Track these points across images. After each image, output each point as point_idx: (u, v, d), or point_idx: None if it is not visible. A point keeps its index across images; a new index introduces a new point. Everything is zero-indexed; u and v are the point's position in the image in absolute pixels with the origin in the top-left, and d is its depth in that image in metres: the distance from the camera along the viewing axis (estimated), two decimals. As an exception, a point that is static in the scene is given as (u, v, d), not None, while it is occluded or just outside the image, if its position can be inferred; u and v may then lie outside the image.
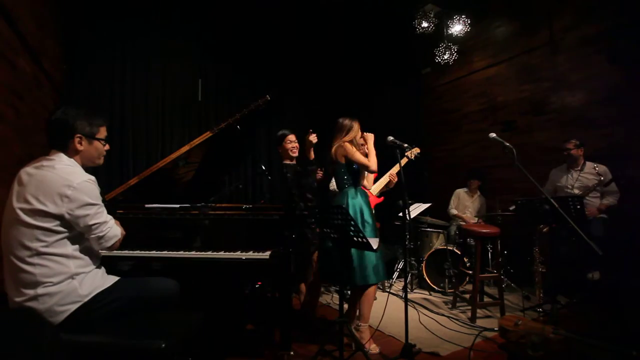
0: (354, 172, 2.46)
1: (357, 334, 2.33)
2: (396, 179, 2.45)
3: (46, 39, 2.94)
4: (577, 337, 2.17)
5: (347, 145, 2.40)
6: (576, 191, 3.33)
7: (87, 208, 1.39)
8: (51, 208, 1.33)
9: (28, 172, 1.40)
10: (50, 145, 1.49)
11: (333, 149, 2.48)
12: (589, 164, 3.46)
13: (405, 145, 2.36)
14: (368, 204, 2.44)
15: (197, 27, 4.28)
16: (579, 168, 3.50)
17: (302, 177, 3.01)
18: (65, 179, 1.37)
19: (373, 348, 2.32)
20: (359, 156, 2.37)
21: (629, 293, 2.96)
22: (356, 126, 2.49)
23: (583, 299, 3.16)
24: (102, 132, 1.57)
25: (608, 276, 3.19)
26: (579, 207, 2.58)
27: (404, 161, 2.35)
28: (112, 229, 1.50)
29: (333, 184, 2.82)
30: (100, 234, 1.44)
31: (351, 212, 2.31)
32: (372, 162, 2.38)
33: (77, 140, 1.48)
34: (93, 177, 1.46)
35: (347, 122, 2.49)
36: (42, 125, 2.83)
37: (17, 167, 1.46)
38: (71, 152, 1.49)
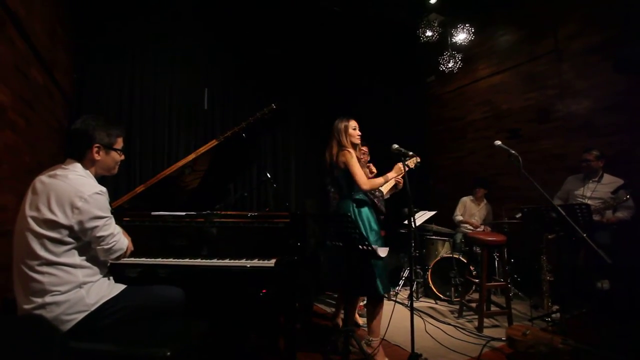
0: (353, 180, 2.36)
1: (369, 349, 2.26)
2: (402, 183, 2.46)
3: (57, 49, 3.01)
4: (587, 348, 2.13)
5: (348, 153, 2.31)
6: (590, 202, 3.26)
7: (96, 220, 1.41)
8: (61, 218, 1.35)
9: (42, 180, 1.42)
10: (68, 154, 1.52)
11: (333, 152, 2.39)
12: (607, 176, 3.38)
13: (410, 152, 2.36)
14: (372, 211, 2.42)
15: (203, 36, 4.34)
16: (597, 179, 3.40)
17: None
18: (77, 190, 1.39)
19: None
20: (356, 169, 2.27)
21: (640, 303, 2.91)
22: (351, 124, 2.40)
23: (592, 309, 3.10)
24: (120, 143, 1.61)
25: (618, 285, 3.14)
26: (586, 214, 2.55)
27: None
28: (119, 242, 1.51)
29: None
30: (107, 246, 1.46)
31: (357, 219, 2.29)
32: (368, 183, 2.29)
33: (95, 150, 1.51)
34: (104, 189, 1.48)
35: (341, 124, 2.40)
36: (52, 135, 2.91)
37: (27, 175, 1.48)
38: (87, 162, 1.51)
